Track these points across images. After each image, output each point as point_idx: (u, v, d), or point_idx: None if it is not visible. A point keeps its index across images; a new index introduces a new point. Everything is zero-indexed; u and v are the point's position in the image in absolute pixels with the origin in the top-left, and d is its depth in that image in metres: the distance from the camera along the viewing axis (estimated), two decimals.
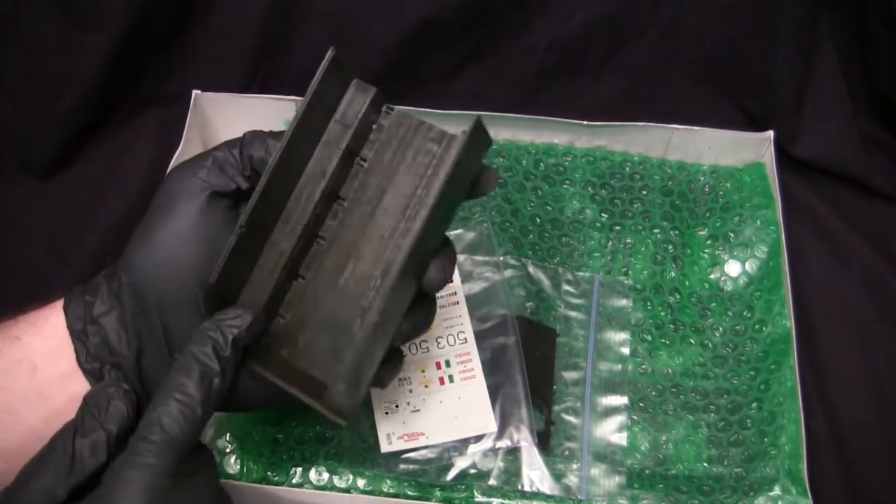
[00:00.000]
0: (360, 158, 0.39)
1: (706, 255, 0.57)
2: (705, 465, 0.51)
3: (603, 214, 0.59)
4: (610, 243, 0.58)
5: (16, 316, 0.40)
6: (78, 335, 0.38)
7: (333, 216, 0.39)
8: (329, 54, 0.37)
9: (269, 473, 0.48)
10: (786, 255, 0.55)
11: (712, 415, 0.52)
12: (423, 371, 0.51)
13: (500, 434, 0.49)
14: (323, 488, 0.48)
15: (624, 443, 0.51)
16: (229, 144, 0.40)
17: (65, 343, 0.38)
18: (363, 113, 0.39)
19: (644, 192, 0.59)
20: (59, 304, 0.40)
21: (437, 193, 0.36)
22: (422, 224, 0.36)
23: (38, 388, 0.38)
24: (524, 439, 0.49)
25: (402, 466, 0.49)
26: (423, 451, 0.49)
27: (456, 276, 0.52)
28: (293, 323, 0.39)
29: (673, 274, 0.57)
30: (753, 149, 0.59)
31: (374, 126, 0.39)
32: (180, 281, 0.38)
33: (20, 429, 0.38)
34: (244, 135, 0.40)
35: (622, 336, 0.55)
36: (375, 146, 0.39)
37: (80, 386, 0.38)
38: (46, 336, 0.39)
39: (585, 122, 0.58)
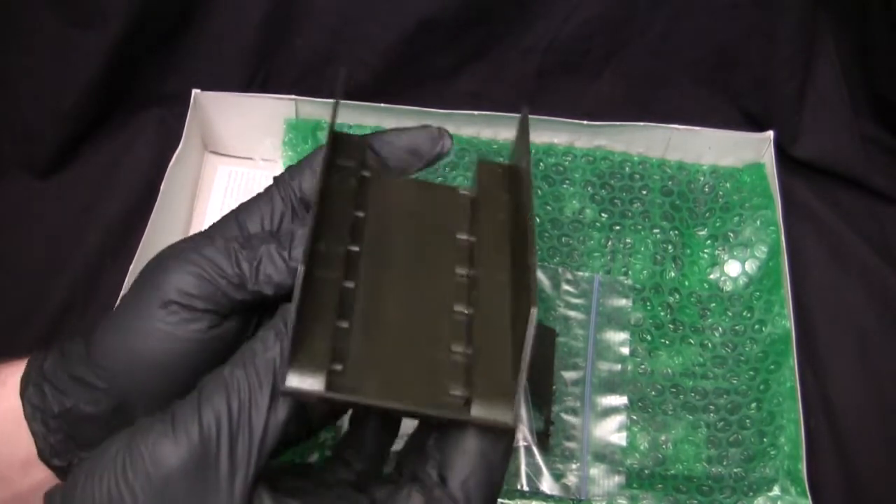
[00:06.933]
0: None
1: (706, 255, 0.57)
2: (704, 465, 0.51)
3: (603, 214, 0.59)
4: (610, 243, 0.58)
5: None
6: (39, 431, 0.35)
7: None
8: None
9: None
10: (786, 256, 0.55)
11: (712, 415, 0.52)
12: None
13: None
14: None
15: (623, 443, 0.51)
16: (239, 240, 0.35)
17: (20, 428, 0.35)
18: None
19: (644, 192, 0.59)
20: (9, 380, 0.35)
21: None
22: None
23: None
24: (524, 439, 0.49)
25: None
26: None
27: None
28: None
29: (673, 274, 0.57)
30: (753, 149, 0.59)
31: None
32: (157, 378, 0.35)
33: None
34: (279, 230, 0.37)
35: (622, 336, 0.55)
36: None
37: (44, 474, 0.35)
38: None
39: (585, 122, 0.58)
